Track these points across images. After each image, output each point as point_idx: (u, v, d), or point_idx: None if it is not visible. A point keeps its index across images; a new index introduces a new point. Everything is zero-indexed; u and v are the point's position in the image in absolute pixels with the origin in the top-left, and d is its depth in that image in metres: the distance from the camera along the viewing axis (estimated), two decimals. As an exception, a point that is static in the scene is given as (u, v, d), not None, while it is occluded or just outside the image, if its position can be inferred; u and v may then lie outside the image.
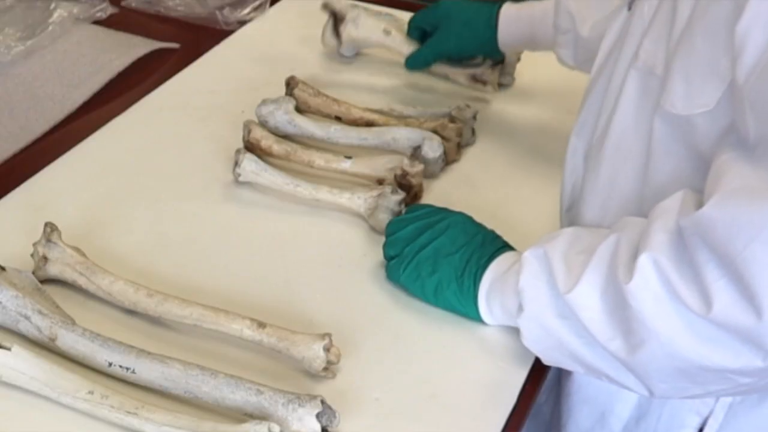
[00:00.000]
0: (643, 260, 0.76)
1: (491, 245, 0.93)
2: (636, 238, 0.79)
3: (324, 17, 1.36)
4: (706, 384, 0.78)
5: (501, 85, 1.29)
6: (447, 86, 1.29)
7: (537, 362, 0.90)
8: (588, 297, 0.80)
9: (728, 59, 0.73)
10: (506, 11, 1.21)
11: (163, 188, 1.11)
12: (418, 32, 1.29)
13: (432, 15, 1.26)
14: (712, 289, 0.72)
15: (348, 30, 1.30)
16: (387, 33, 1.29)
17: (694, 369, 0.76)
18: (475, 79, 1.27)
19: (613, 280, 0.78)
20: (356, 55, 1.37)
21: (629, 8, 0.90)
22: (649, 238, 0.77)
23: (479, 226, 0.96)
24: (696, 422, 0.93)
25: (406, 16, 1.39)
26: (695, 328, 0.74)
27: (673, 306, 0.75)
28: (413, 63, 1.28)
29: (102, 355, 0.85)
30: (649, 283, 0.76)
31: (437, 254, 0.93)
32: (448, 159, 1.15)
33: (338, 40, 1.30)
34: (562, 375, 1.02)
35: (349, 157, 1.10)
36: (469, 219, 0.96)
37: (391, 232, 0.97)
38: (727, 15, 0.73)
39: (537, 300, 0.85)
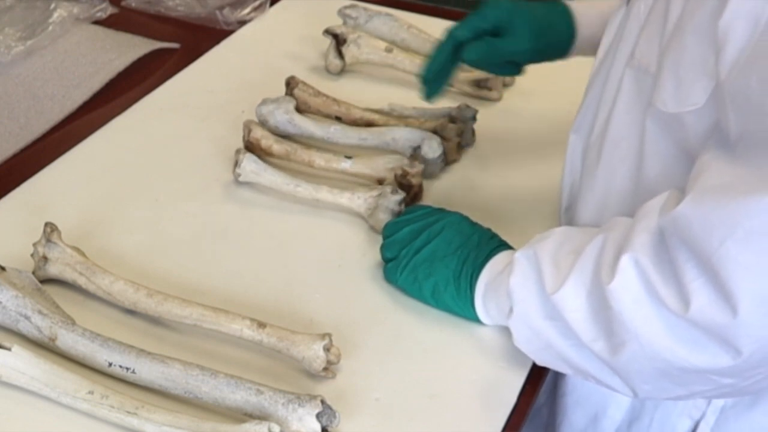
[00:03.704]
0: (625, 261, 0.76)
1: (487, 245, 0.93)
2: (621, 238, 0.79)
3: (324, 18, 1.36)
4: (689, 385, 0.78)
5: (503, 86, 1.29)
6: (447, 86, 1.29)
7: (537, 362, 0.90)
8: (574, 298, 0.80)
9: (716, 57, 0.73)
10: (583, 13, 1.04)
11: (163, 188, 1.11)
12: (469, 37, 1.02)
13: (494, 14, 1.02)
14: (689, 288, 0.72)
15: (351, 51, 1.30)
16: (389, 51, 1.30)
17: (674, 370, 0.76)
18: (479, 85, 1.27)
19: (597, 281, 0.79)
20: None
21: (627, 3, 0.90)
22: (631, 239, 0.77)
23: (475, 226, 0.96)
24: (688, 426, 0.93)
25: (406, 16, 1.40)
26: (674, 328, 0.74)
27: (652, 306, 0.75)
28: (476, 53, 1.01)
29: (102, 355, 0.85)
30: (630, 284, 0.76)
31: (433, 257, 0.93)
32: (448, 159, 1.15)
33: (342, 62, 1.31)
34: (557, 376, 1.02)
35: (349, 157, 1.10)
36: (465, 219, 0.96)
37: (387, 234, 0.97)
38: (713, 12, 0.73)
39: (526, 301, 0.85)
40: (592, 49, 1.02)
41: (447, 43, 1.02)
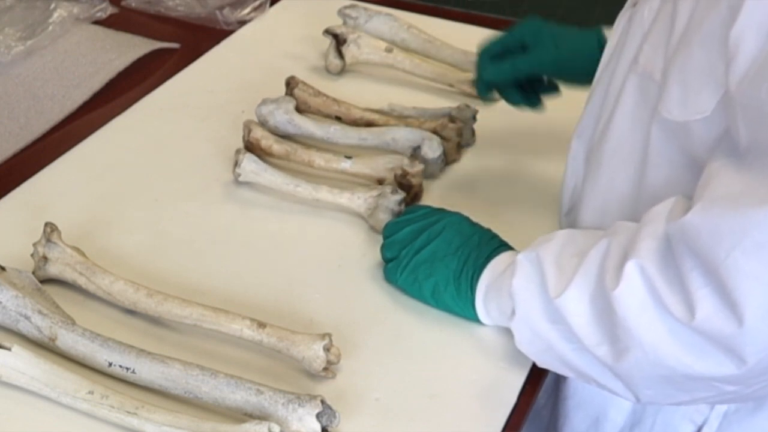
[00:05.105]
0: (630, 267, 0.76)
1: (487, 246, 0.93)
2: (626, 243, 0.79)
3: (324, 18, 1.36)
4: (692, 391, 0.78)
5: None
6: (447, 87, 1.29)
7: (537, 362, 0.90)
8: (577, 302, 0.80)
9: (724, 65, 0.73)
10: None
11: (163, 188, 1.11)
12: (493, 58, 1.08)
13: (526, 30, 1.07)
14: (695, 296, 0.72)
15: (351, 51, 1.30)
16: (389, 51, 1.30)
17: (678, 377, 0.76)
18: None
19: (602, 286, 0.78)
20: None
21: (633, 6, 0.90)
22: (637, 245, 0.77)
23: (475, 227, 0.95)
24: (690, 430, 0.93)
25: (406, 16, 1.40)
26: (679, 336, 0.74)
27: (657, 313, 0.75)
28: (493, 75, 1.08)
29: (102, 355, 0.85)
30: (635, 290, 0.76)
31: (434, 257, 0.93)
32: (448, 159, 1.15)
33: (342, 62, 1.31)
34: (559, 378, 1.02)
35: (349, 157, 1.10)
36: (466, 219, 0.96)
37: (387, 234, 0.97)
38: (723, 21, 0.72)
39: (528, 304, 0.85)
40: None
41: (482, 60, 1.09)
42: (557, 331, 0.83)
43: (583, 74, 1.03)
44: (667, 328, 0.74)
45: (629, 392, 0.82)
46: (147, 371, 0.83)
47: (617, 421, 0.98)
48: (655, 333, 0.75)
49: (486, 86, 1.10)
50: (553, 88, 1.11)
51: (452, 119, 1.16)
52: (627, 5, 0.91)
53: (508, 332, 0.90)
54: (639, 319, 0.76)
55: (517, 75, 1.08)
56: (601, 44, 1.01)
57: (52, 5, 1.40)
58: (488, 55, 1.08)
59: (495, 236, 0.95)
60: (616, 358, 0.78)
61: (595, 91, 0.93)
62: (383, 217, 1.02)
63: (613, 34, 0.92)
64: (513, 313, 0.86)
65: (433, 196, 1.10)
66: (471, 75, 1.27)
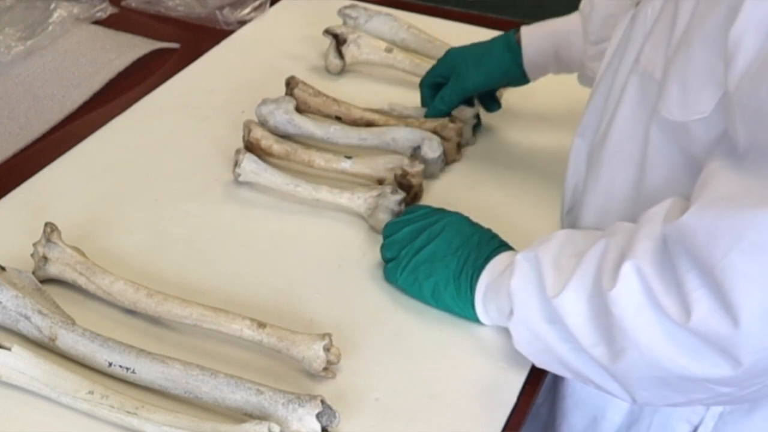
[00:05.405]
0: (627, 268, 0.76)
1: (487, 246, 0.92)
2: (624, 244, 0.79)
3: (324, 18, 1.36)
4: (688, 393, 0.78)
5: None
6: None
7: (537, 362, 0.90)
8: (574, 302, 0.80)
9: (724, 66, 0.73)
10: (527, 30, 1.14)
11: (163, 188, 1.11)
12: (431, 90, 1.20)
13: (443, 64, 1.18)
14: (691, 298, 0.72)
15: (351, 51, 1.30)
16: (389, 51, 1.30)
17: (673, 378, 0.76)
18: None
19: (599, 287, 0.78)
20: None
21: (635, 6, 0.90)
22: (634, 245, 0.77)
23: (475, 227, 0.95)
24: (686, 430, 0.93)
25: (406, 16, 1.40)
26: (674, 337, 0.74)
27: (653, 314, 0.75)
28: (434, 113, 1.18)
29: (102, 355, 0.85)
30: (631, 291, 0.76)
31: (434, 257, 0.93)
32: (448, 159, 1.15)
33: (342, 62, 1.31)
34: (557, 377, 1.01)
35: (349, 157, 1.10)
36: (466, 219, 0.96)
37: (387, 234, 0.97)
38: (723, 21, 0.72)
39: (526, 304, 0.85)
40: (555, 66, 1.14)
41: (425, 96, 1.21)
42: (555, 331, 0.83)
43: (506, 81, 1.17)
44: (663, 329, 0.74)
45: (625, 393, 0.82)
46: (147, 371, 0.83)
47: (615, 420, 0.98)
48: (651, 334, 0.75)
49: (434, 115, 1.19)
50: (494, 104, 1.22)
51: (452, 119, 1.16)
52: (630, 5, 0.91)
53: (507, 332, 0.90)
54: (635, 320, 0.76)
55: (450, 105, 1.17)
56: (510, 46, 1.14)
57: (52, 5, 1.40)
58: (426, 86, 1.20)
59: (495, 236, 0.95)
60: (613, 359, 0.78)
61: (598, 91, 0.93)
62: (383, 217, 1.02)
63: (616, 34, 0.92)
64: (511, 313, 0.86)
65: (433, 196, 1.10)
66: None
